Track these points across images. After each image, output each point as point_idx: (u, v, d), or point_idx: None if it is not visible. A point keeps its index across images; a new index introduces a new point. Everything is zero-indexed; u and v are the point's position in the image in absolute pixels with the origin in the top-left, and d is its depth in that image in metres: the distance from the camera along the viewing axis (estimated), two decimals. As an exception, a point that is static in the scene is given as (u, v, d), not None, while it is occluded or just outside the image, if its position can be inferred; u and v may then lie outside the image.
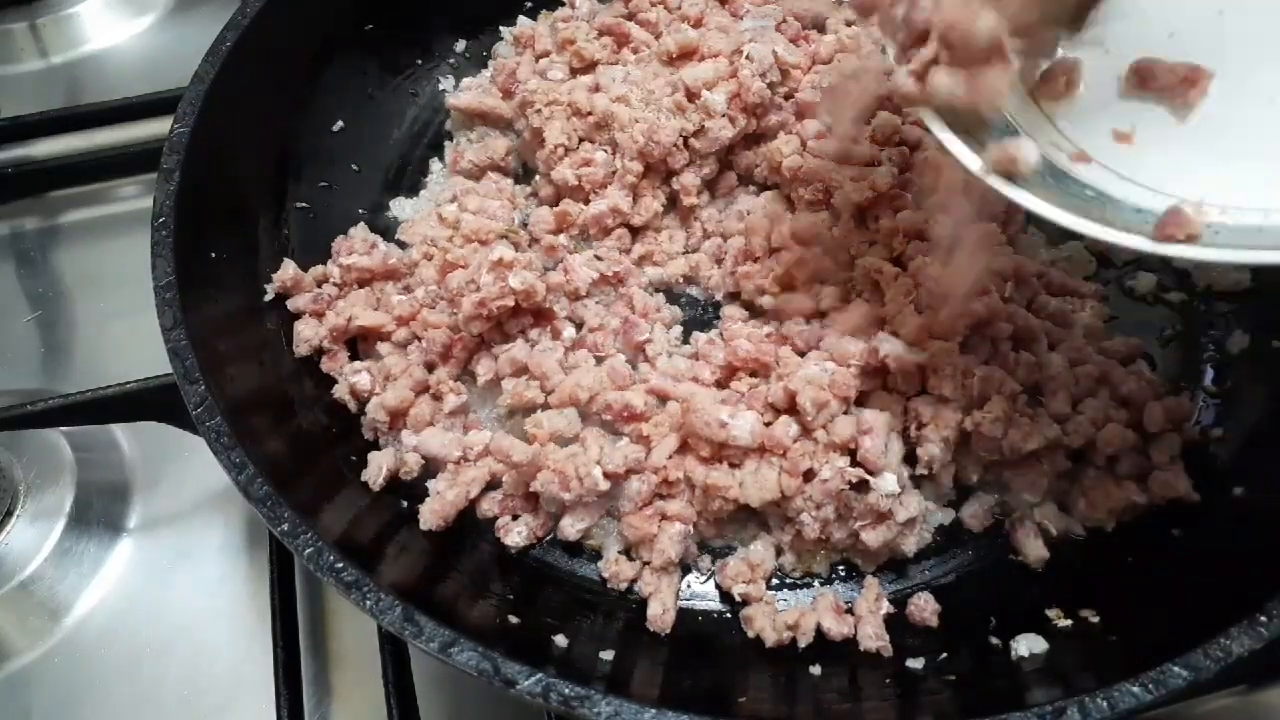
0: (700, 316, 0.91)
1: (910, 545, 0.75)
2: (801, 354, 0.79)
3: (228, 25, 0.88)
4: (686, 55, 0.92)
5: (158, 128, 1.10)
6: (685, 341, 0.87)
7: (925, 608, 0.73)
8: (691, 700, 0.65)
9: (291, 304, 0.87)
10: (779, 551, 0.78)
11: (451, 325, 0.83)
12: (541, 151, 0.92)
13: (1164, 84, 0.58)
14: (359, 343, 0.88)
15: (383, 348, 0.86)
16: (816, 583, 0.78)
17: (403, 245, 0.93)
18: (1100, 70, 0.61)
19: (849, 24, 1.05)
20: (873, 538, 0.73)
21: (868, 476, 0.72)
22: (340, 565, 0.62)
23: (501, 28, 1.11)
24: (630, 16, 1.02)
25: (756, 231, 0.87)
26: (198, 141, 0.81)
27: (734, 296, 0.88)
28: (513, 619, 0.69)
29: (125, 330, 1.03)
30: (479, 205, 0.92)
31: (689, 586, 0.78)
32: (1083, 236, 0.54)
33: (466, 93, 1.04)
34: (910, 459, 0.76)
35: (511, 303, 0.80)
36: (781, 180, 0.90)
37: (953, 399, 0.74)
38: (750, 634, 0.73)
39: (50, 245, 1.13)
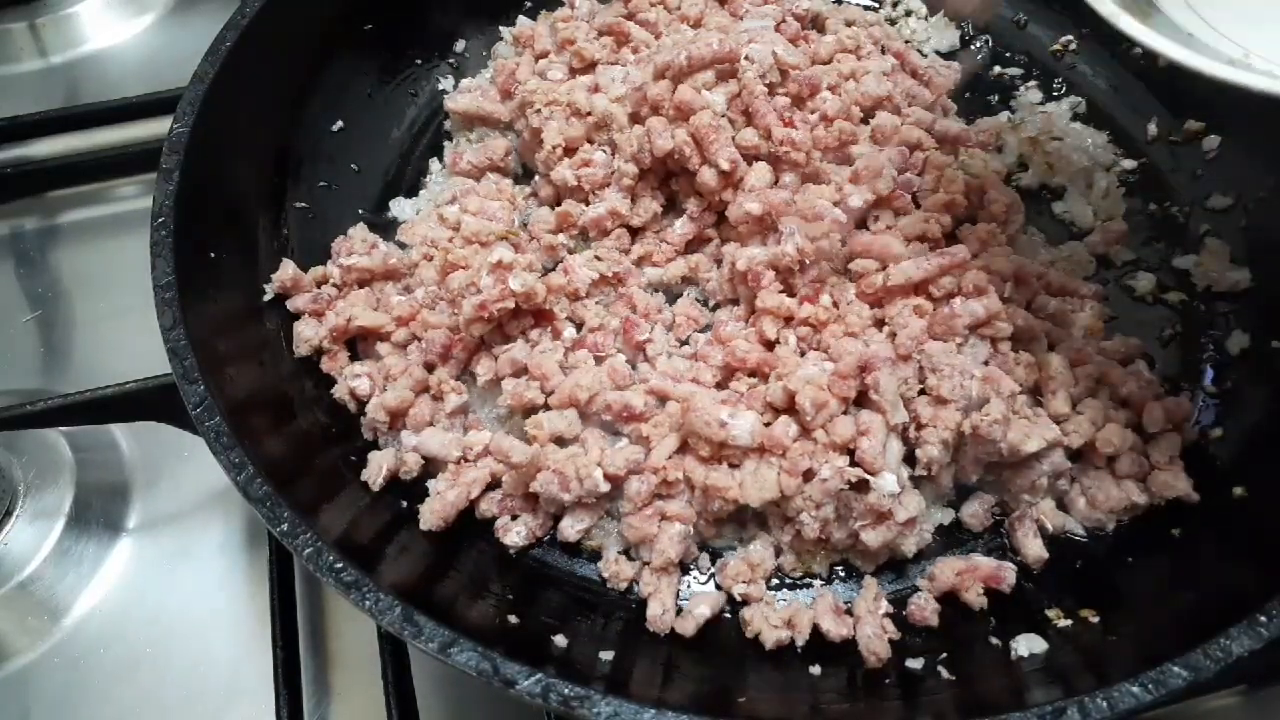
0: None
1: (910, 545, 0.75)
2: (801, 354, 0.79)
3: (227, 25, 0.88)
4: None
5: (157, 128, 1.10)
6: (684, 343, 0.87)
7: (925, 608, 0.73)
8: (691, 700, 0.65)
9: (291, 304, 0.87)
10: (778, 551, 0.78)
11: (451, 326, 0.83)
12: (540, 152, 0.92)
13: None
14: (359, 343, 0.88)
15: (382, 348, 0.86)
16: (816, 583, 0.78)
17: (402, 246, 0.93)
18: None
19: (849, 24, 1.05)
20: (873, 538, 0.73)
21: (867, 476, 0.72)
22: (340, 565, 0.62)
23: (501, 28, 1.11)
24: (630, 16, 1.02)
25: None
26: (197, 141, 0.82)
27: (732, 301, 0.88)
28: (512, 619, 0.69)
29: (125, 330, 1.03)
30: (479, 206, 0.92)
31: (689, 586, 0.78)
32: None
33: (465, 95, 1.03)
34: (910, 459, 0.76)
35: (512, 305, 0.80)
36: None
37: (952, 399, 0.74)
38: (749, 634, 0.73)
39: (49, 245, 1.12)
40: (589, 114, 0.91)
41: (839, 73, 0.96)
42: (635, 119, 0.90)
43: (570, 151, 0.92)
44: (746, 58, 0.88)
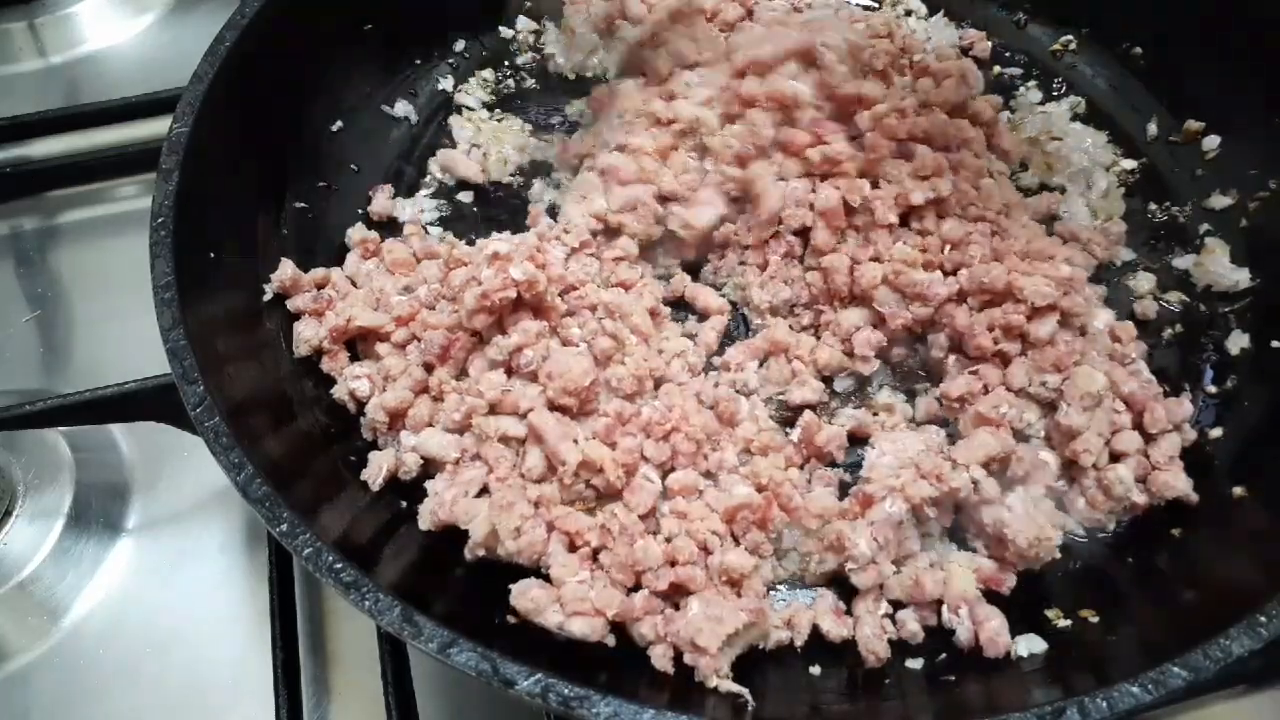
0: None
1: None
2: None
3: (227, 25, 0.88)
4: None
5: (157, 128, 1.10)
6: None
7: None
8: (692, 700, 0.64)
9: (291, 304, 0.87)
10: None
11: (450, 325, 0.83)
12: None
13: None
14: (358, 343, 0.88)
15: (382, 348, 0.85)
16: (816, 583, 0.78)
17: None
18: None
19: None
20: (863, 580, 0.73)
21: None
22: (339, 565, 0.62)
23: (501, 28, 1.11)
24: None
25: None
26: (197, 141, 0.81)
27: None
28: (512, 619, 0.69)
29: (125, 330, 1.03)
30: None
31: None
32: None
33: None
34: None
35: (513, 294, 0.80)
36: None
37: None
38: (750, 634, 0.73)
39: (49, 245, 1.12)
40: (672, 121, 0.92)
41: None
42: (728, 119, 0.91)
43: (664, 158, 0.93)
44: (823, 44, 0.88)
